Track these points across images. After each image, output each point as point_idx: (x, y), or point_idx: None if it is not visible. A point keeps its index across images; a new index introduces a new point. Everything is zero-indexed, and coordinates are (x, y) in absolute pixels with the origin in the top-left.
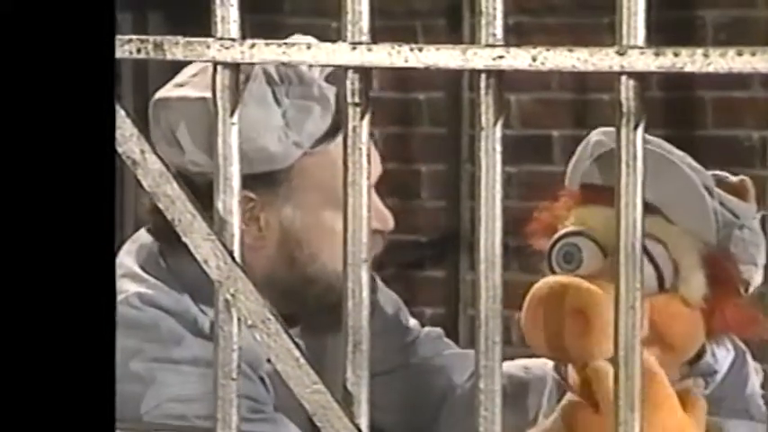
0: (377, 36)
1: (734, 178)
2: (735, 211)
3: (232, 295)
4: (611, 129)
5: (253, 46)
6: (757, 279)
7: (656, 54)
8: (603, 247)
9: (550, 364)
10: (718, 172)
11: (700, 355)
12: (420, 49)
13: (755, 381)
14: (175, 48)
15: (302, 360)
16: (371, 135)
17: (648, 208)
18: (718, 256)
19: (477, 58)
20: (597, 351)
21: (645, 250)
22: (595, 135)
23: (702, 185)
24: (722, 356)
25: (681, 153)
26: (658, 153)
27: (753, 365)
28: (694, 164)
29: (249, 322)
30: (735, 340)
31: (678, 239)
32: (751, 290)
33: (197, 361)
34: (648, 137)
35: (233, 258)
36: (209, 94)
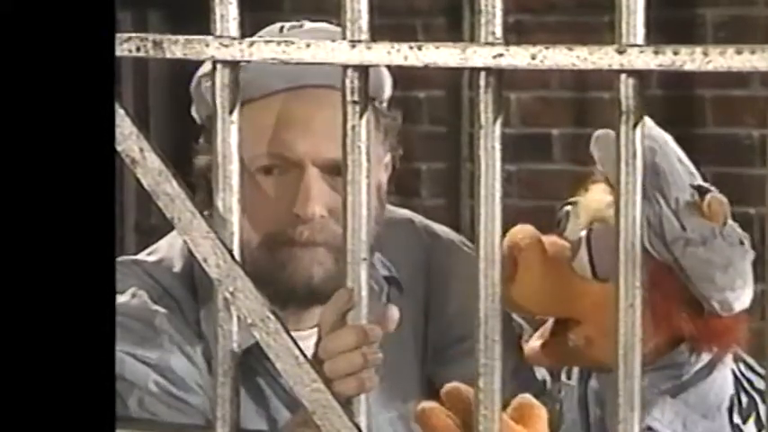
0: (376, 34)
1: (706, 198)
2: (685, 225)
3: (231, 293)
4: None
5: (252, 44)
6: (724, 297)
7: (656, 52)
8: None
9: None
10: (702, 183)
11: (673, 345)
12: (419, 48)
13: (725, 396)
14: (174, 46)
15: (302, 359)
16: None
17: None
18: (653, 260)
19: (476, 56)
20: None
21: None
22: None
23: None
24: (698, 360)
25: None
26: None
27: (730, 380)
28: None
29: (248, 320)
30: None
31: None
32: (719, 308)
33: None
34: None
35: (232, 257)
36: None
